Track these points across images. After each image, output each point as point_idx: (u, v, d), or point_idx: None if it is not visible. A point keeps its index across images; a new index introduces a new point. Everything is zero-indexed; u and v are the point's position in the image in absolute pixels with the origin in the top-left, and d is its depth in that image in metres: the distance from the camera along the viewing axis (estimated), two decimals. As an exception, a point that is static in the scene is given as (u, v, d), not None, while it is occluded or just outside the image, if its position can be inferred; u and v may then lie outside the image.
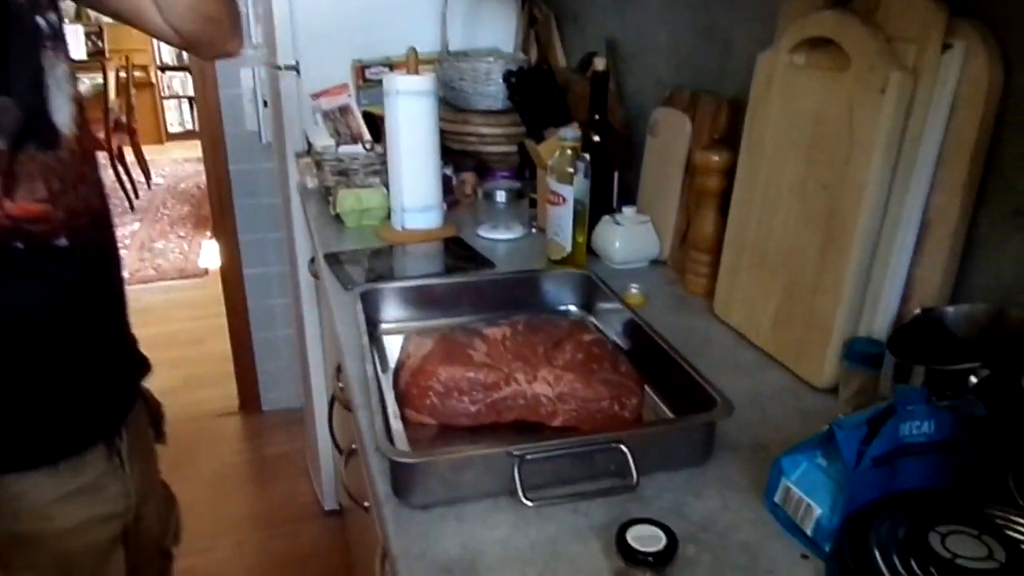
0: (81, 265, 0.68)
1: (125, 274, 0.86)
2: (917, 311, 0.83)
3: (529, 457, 0.72)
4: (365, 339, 0.94)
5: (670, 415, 0.89)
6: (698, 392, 0.83)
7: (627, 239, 1.34)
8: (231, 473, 2.52)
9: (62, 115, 0.71)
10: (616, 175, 1.40)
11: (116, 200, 5.03)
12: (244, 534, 2.17)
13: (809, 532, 0.68)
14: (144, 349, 0.94)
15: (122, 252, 0.76)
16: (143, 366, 0.91)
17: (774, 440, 0.85)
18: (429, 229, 1.50)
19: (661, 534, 0.63)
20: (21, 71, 0.67)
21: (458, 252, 1.44)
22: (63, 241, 0.72)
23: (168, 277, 4.11)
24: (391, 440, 0.76)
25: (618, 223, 1.34)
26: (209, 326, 3.32)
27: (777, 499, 0.71)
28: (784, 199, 1.00)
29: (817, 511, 0.67)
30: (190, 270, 4.18)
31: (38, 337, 0.69)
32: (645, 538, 0.63)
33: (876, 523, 0.63)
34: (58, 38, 0.72)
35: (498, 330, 0.93)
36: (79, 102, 0.74)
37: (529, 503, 0.70)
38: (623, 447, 0.74)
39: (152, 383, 0.97)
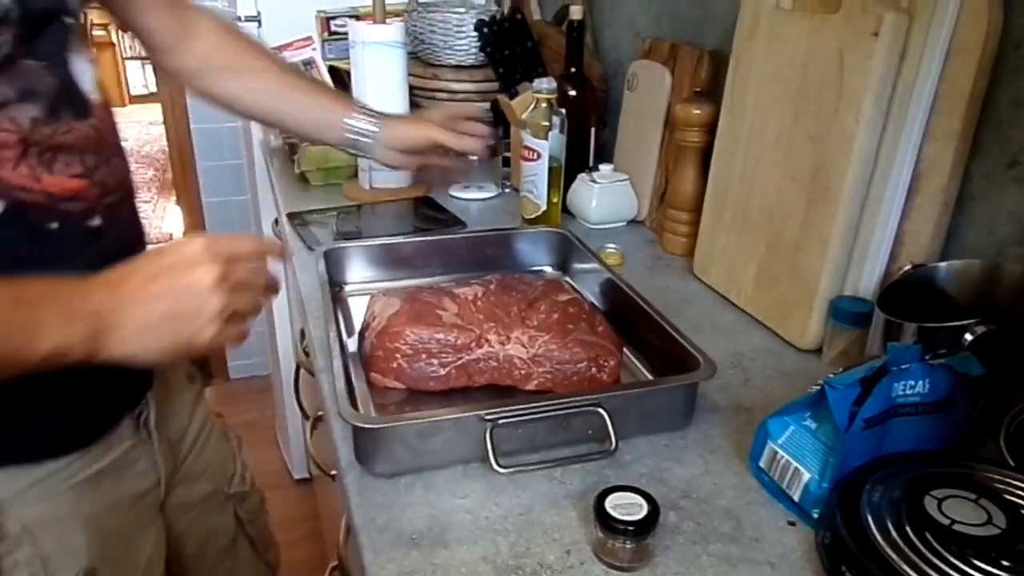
0: (113, 248, 0.63)
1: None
2: (907, 267, 0.80)
3: (502, 421, 0.67)
4: (327, 300, 0.89)
5: (650, 377, 0.85)
6: (679, 353, 0.79)
7: (604, 198, 1.29)
8: (198, 442, 2.45)
9: (86, 80, 0.67)
10: (593, 132, 1.35)
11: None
12: (211, 504, 2.12)
13: (796, 497, 0.64)
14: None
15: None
16: None
17: (757, 402, 0.81)
18: (398, 188, 1.44)
19: (642, 501, 0.60)
20: (49, 34, 0.63)
21: (428, 212, 1.38)
22: (97, 221, 0.67)
23: (131, 243, 3.98)
24: (354, 405, 0.71)
25: (595, 181, 1.29)
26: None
27: (762, 463, 0.68)
28: (768, 153, 0.95)
29: (805, 475, 0.63)
30: (154, 236, 4.07)
31: None
32: (625, 506, 0.59)
33: (868, 487, 0.60)
34: None
35: (469, 290, 0.88)
36: (95, 65, 0.70)
37: (502, 470, 0.66)
38: (601, 410, 0.70)
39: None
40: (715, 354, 0.89)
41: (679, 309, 1.02)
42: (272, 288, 0.68)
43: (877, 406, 0.61)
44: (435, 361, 0.80)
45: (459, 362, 0.80)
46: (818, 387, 0.64)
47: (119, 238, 0.69)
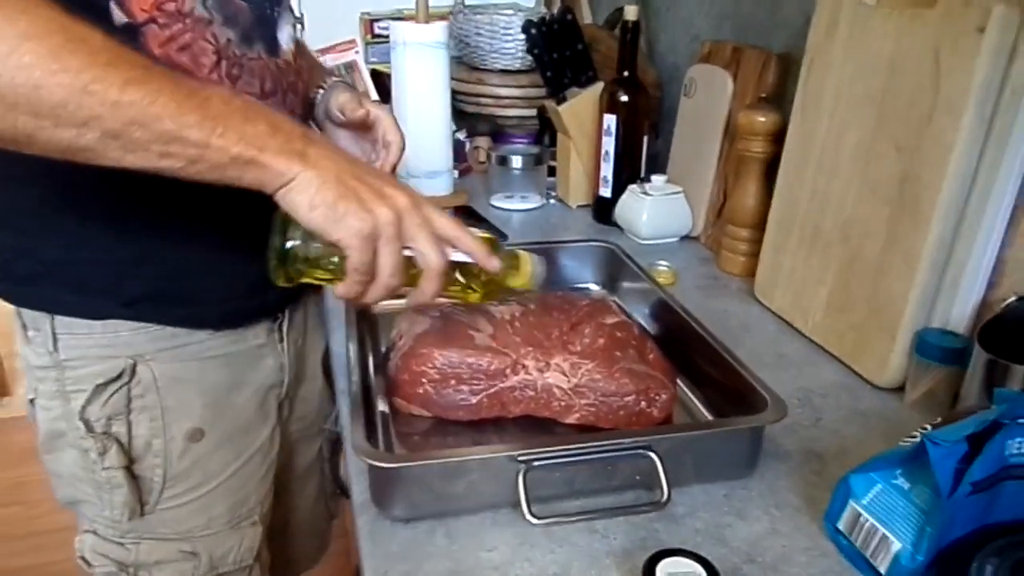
0: None
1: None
2: (1012, 299, 0.69)
3: (537, 463, 0.59)
4: (352, 313, 0.82)
5: (707, 415, 0.76)
6: (741, 388, 0.70)
7: (656, 212, 1.19)
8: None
9: (284, 35, 0.77)
10: (645, 140, 1.26)
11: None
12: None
13: (883, 570, 0.54)
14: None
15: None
16: None
17: (829, 448, 0.71)
18: (437, 196, 1.36)
19: (700, 570, 0.50)
20: None
21: (468, 222, 1.30)
22: None
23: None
24: (372, 436, 0.63)
25: (646, 194, 1.20)
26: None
27: (841, 525, 0.58)
28: (845, 165, 0.85)
29: (895, 545, 0.53)
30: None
31: (223, 215, 0.69)
32: (678, 574, 0.50)
33: (976, 564, 0.49)
34: None
35: (506, 309, 0.79)
36: (295, 30, 0.80)
37: (536, 521, 0.57)
38: (652, 453, 0.60)
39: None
40: (780, 390, 0.79)
41: (738, 336, 0.93)
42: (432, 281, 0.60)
43: (988, 467, 0.51)
44: (465, 388, 0.72)
45: (492, 390, 0.72)
46: (912, 441, 0.54)
47: None
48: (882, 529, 0.54)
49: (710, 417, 0.75)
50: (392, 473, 0.58)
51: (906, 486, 0.54)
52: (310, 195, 0.55)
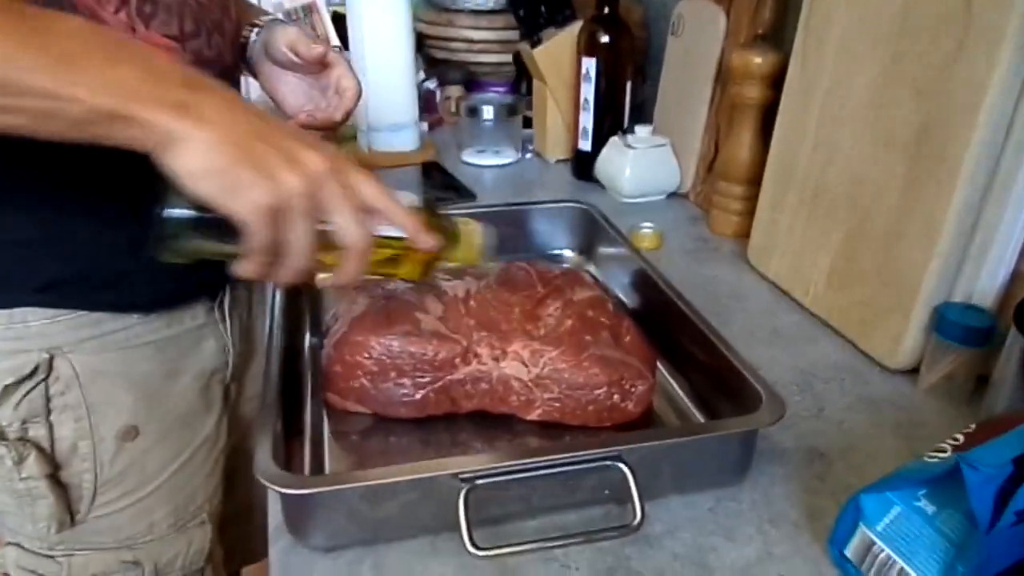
0: None
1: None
2: (1052, 270, 0.58)
3: (481, 482, 0.48)
4: (272, 291, 0.71)
5: (690, 406, 0.65)
6: (732, 378, 0.59)
7: (640, 166, 1.08)
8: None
9: None
10: (629, 86, 1.13)
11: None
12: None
13: (901, 611, 0.44)
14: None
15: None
16: None
17: (834, 444, 0.61)
18: (401, 152, 1.24)
19: (676, 625, 0.40)
20: None
21: (436, 180, 1.18)
22: None
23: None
24: (295, 442, 0.52)
25: (629, 146, 1.08)
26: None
27: (849, 552, 0.48)
28: (854, 112, 0.73)
29: (916, 581, 0.44)
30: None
31: (141, 180, 0.54)
32: (650, 629, 0.40)
33: (1018, 614, 0.40)
34: None
35: (461, 284, 0.68)
36: None
37: (479, 552, 0.47)
38: (623, 465, 0.50)
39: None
40: (777, 372, 0.69)
41: (728, 308, 0.82)
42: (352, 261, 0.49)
43: (1035, 492, 0.41)
44: (407, 381, 0.61)
45: (439, 383, 0.61)
46: (939, 457, 0.44)
47: None
48: (900, 562, 0.44)
49: (694, 408, 0.65)
50: (306, 499, 0.48)
51: (931, 510, 0.44)
52: (197, 159, 0.43)
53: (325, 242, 0.47)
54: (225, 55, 0.70)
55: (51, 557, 0.69)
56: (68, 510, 0.68)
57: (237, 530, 0.87)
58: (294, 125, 0.53)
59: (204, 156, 0.43)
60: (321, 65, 0.75)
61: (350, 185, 0.47)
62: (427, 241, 0.51)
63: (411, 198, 0.53)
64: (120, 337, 0.66)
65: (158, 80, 0.44)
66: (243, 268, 0.47)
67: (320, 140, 0.48)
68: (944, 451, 0.44)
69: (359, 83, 0.75)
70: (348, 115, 0.76)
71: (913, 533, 0.44)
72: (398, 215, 0.50)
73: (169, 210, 0.46)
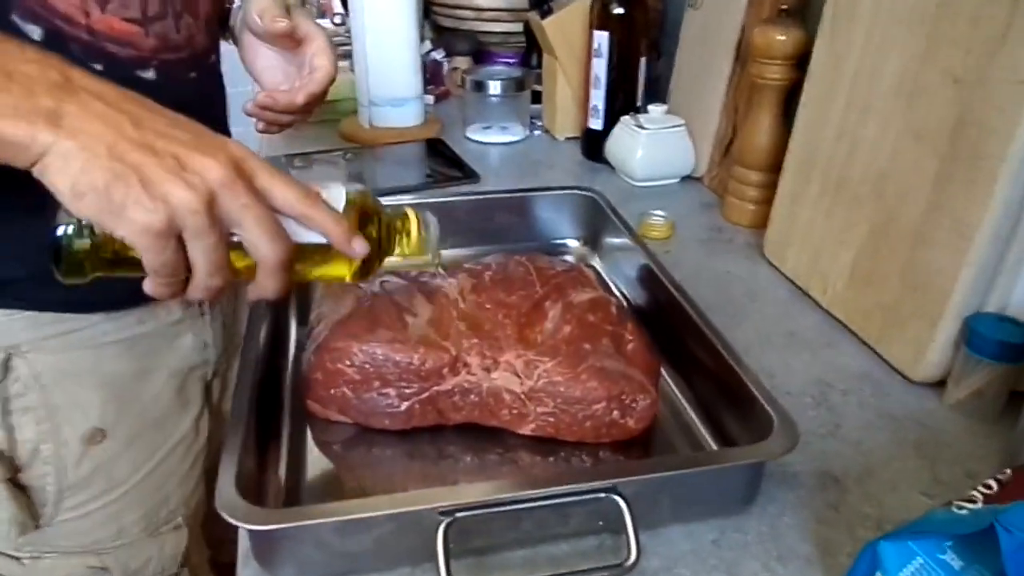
0: (170, 106, 0.45)
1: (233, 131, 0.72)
2: (1100, 285, 0.53)
3: (462, 515, 0.44)
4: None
5: (695, 420, 0.61)
6: (741, 394, 0.55)
7: (652, 149, 1.02)
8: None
9: None
10: (643, 63, 1.07)
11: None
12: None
13: (919, 672, 0.40)
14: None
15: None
16: None
17: (851, 467, 0.57)
18: (403, 128, 1.19)
19: None
20: None
21: (439, 158, 1.13)
22: (151, 74, 0.61)
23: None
24: (269, 452, 0.49)
25: (642, 127, 1.02)
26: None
27: (864, 601, 0.44)
28: (883, 101, 0.67)
29: (937, 642, 0.39)
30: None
31: None
32: None
33: None
34: None
35: (454, 283, 0.64)
36: None
37: (458, 593, 0.43)
38: (618, 498, 0.46)
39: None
40: (792, 380, 0.65)
41: (742, 307, 0.77)
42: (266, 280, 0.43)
43: (1078, 554, 0.36)
44: (392, 391, 0.57)
45: (425, 394, 0.57)
46: (968, 508, 0.39)
47: (182, 100, 0.47)
48: (920, 619, 0.40)
49: (700, 423, 0.61)
50: (271, 534, 0.44)
51: (958, 565, 0.40)
52: (70, 176, 0.37)
53: (242, 252, 0.42)
54: (197, 38, 0.65)
55: (16, 559, 0.67)
56: (31, 513, 0.65)
57: (215, 531, 0.84)
58: (197, 125, 0.44)
59: (78, 172, 0.37)
60: (292, 40, 0.68)
61: (260, 190, 0.41)
62: (356, 249, 0.45)
63: (339, 191, 0.47)
64: (86, 335, 0.63)
65: (21, 87, 0.37)
66: (150, 288, 0.42)
67: (220, 139, 0.41)
68: (975, 501, 0.40)
69: (334, 63, 0.68)
70: (315, 100, 0.68)
71: (936, 588, 0.40)
72: (319, 221, 0.43)
73: (60, 227, 0.41)
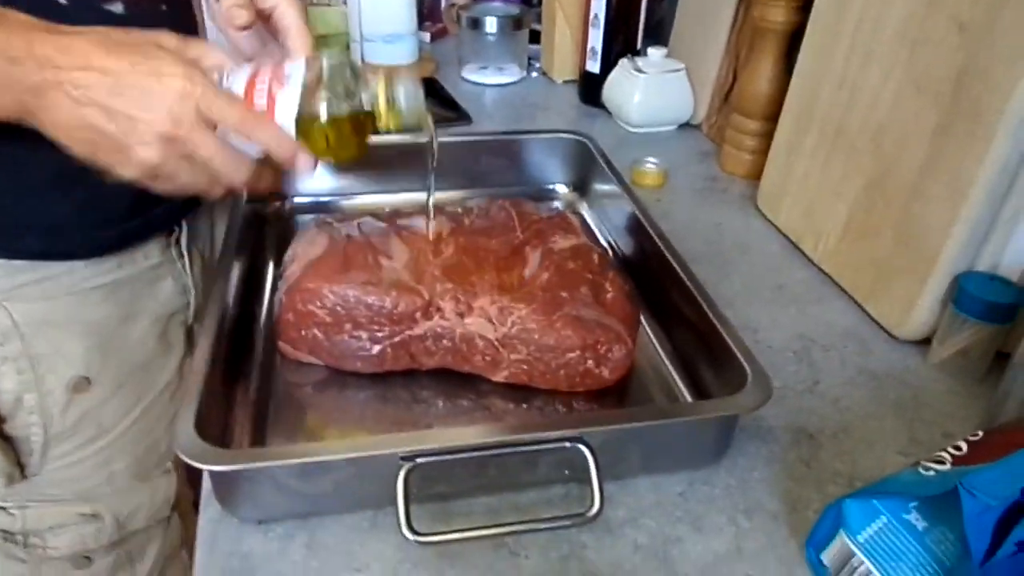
0: None
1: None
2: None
3: (423, 460, 0.44)
4: (238, 216, 0.65)
5: (672, 373, 0.60)
6: (719, 348, 0.53)
7: (650, 93, 0.99)
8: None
9: None
10: (645, 3, 1.03)
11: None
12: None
13: (876, 631, 0.40)
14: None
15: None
16: None
17: (826, 424, 0.56)
18: (396, 66, 1.15)
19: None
20: None
21: (432, 99, 1.10)
22: (119, 7, 0.58)
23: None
24: (236, 389, 0.48)
25: (640, 70, 0.99)
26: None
27: (826, 558, 0.43)
28: (885, 48, 0.65)
29: (895, 601, 0.39)
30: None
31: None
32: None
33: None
34: None
35: (433, 225, 0.63)
36: None
37: (417, 539, 0.42)
38: (584, 447, 0.45)
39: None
40: (775, 335, 0.64)
41: (732, 259, 0.76)
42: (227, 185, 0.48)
43: (1043, 520, 0.35)
44: (364, 334, 0.56)
45: (397, 338, 0.56)
46: (936, 469, 0.38)
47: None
48: (880, 578, 0.40)
49: (676, 376, 0.60)
50: (229, 475, 0.43)
51: (922, 526, 0.39)
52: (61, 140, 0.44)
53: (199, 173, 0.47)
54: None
55: (4, 509, 0.67)
56: (17, 463, 0.64)
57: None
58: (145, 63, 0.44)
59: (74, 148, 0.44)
60: (260, 19, 0.56)
61: (210, 120, 0.44)
62: (301, 163, 0.48)
63: (299, 72, 0.47)
64: (65, 282, 0.62)
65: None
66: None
67: (165, 83, 0.43)
68: (943, 462, 0.39)
69: (300, 10, 0.56)
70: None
71: (898, 548, 0.39)
72: (262, 142, 0.47)
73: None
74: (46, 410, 0.64)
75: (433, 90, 1.12)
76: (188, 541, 0.79)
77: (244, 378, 0.57)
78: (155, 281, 0.69)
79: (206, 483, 0.48)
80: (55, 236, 0.60)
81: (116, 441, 0.69)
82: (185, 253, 0.72)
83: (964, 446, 0.39)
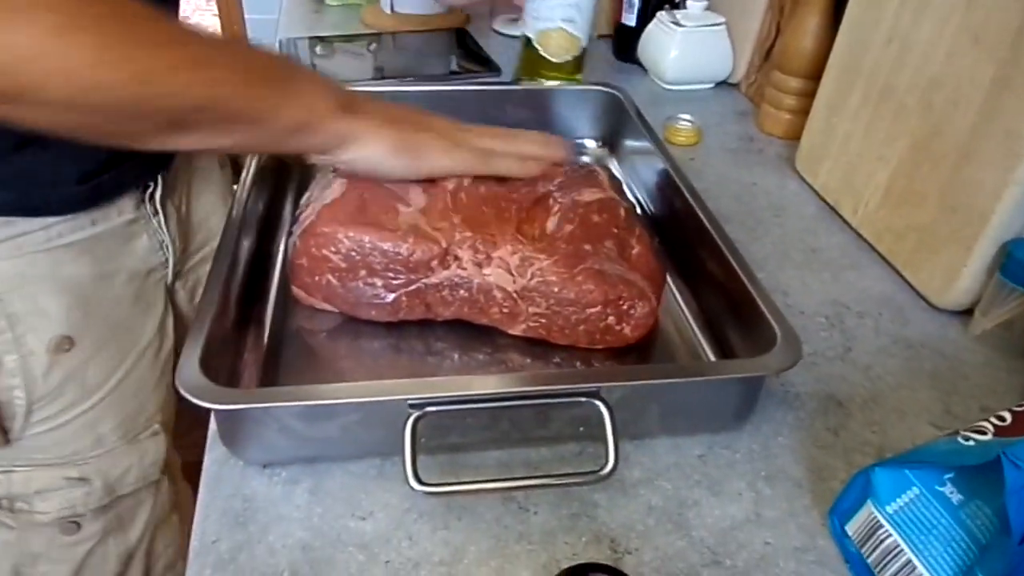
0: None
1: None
2: None
3: (432, 409, 0.42)
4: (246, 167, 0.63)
5: (697, 334, 0.58)
6: (748, 308, 0.51)
7: (688, 48, 0.95)
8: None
9: None
10: (686, -47, 0.99)
11: None
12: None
13: (901, 607, 0.38)
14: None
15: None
16: None
17: (856, 393, 0.53)
18: (427, 15, 1.13)
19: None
20: None
21: (462, 50, 1.07)
22: None
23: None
24: (246, 333, 0.47)
25: (678, 23, 0.95)
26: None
27: (851, 529, 0.41)
28: (940, 2, 0.61)
29: (922, 575, 0.37)
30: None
31: None
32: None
33: (1042, 636, 0.33)
34: None
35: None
36: None
37: (423, 488, 0.41)
38: (600, 403, 0.43)
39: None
40: (806, 300, 0.61)
41: (765, 221, 0.73)
42: None
43: (1090, 497, 0.33)
44: (378, 281, 0.55)
45: (412, 287, 0.54)
46: (977, 439, 0.36)
47: None
48: (908, 552, 0.37)
49: (702, 337, 0.57)
50: (233, 414, 0.42)
51: (956, 499, 0.37)
52: (376, 148, 0.54)
53: None
54: None
55: None
56: (0, 428, 0.63)
57: (205, 431, 0.83)
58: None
59: (380, 144, 0.53)
60: None
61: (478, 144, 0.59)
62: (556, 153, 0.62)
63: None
64: (39, 238, 0.60)
65: (325, 91, 0.51)
66: None
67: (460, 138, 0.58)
68: (984, 432, 0.36)
69: None
70: None
71: (930, 522, 0.37)
72: (529, 149, 0.61)
73: None
74: (28, 372, 0.63)
75: (464, 41, 1.09)
76: (179, 506, 0.79)
77: (257, 323, 0.56)
78: (130, 238, 0.68)
79: (211, 426, 0.47)
80: (28, 191, 0.58)
81: (102, 403, 0.68)
82: (159, 209, 0.70)
83: (1008, 416, 0.37)
